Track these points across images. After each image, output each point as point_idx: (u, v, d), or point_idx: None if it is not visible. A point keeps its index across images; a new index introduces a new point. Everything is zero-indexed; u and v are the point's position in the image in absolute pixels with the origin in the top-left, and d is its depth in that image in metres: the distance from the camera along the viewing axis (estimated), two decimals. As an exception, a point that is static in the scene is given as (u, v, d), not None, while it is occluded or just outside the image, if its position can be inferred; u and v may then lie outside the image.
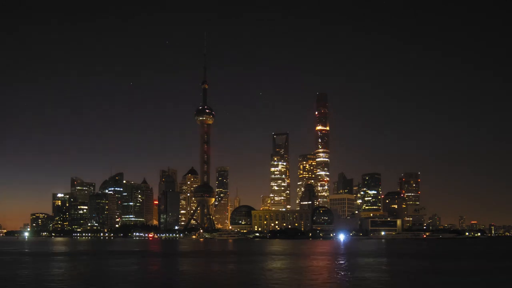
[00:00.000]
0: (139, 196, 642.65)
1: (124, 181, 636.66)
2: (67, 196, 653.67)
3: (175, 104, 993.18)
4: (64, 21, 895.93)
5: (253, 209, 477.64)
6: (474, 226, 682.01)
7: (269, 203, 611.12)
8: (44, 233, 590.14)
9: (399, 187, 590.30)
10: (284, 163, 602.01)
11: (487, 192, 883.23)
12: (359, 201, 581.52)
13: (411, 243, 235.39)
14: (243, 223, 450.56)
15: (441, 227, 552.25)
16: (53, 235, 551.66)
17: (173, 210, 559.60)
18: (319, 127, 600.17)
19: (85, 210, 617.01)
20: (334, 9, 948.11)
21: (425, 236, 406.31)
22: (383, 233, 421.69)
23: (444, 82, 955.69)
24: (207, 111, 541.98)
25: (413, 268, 73.87)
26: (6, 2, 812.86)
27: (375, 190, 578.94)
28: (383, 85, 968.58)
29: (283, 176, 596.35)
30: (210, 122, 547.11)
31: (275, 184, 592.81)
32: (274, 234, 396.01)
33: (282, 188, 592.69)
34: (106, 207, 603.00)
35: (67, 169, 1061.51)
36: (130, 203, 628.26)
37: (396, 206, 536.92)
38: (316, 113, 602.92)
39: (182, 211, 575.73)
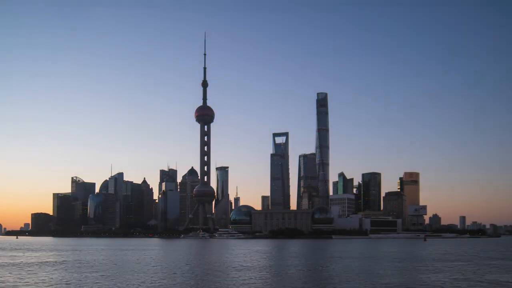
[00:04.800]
0: (139, 196, 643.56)
1: (124, 181, 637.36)
2: (68, 196, 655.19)
3: (175, 104, 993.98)
4: (61, 19, 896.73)
5: (253, 209, 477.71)
6: (475, 226, 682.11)
7: (269, 203, 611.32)
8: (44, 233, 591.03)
9: (399, 187, 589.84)
10: (284, 163, 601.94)
11: (487, 192, 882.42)
12: (359, 201, 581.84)
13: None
14: (243, 223, 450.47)
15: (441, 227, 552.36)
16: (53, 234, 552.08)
17: (173, 210, 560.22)
18: (319, 127, 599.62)
19: (85, 210, 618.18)
20: (334, 9, 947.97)
21: (425, 236, 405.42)
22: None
23: (444, 82, 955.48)
24: (207, 111, 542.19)
25: None
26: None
27: (375, 190, 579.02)
28: (383, 85, 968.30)
29: (283, 175, 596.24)
30: (210, 122, 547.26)
31: (275, 184, 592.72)
32: (274, 234, 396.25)
33: (282, 188, 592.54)
34: (106, 207, 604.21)
35: (68, 169, 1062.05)
36: (130, 203, 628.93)
37: (396, 206, 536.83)
38: (316, 113, 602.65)
39: (182, 211, 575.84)
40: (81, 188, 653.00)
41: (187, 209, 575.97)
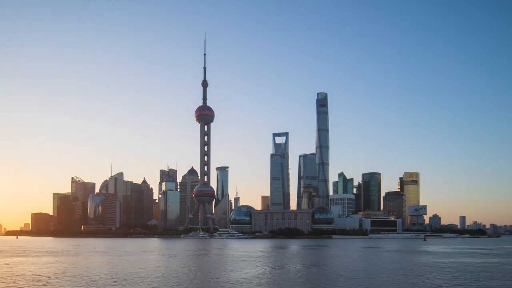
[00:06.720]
0: (139, 196, 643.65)
1: (124, 181, 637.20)
2: (68, 196, 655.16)
3: (175, 104, 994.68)
4: (60, 19, 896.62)
5: (253, 209, 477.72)
6: (475, 226, 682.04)
7: (269, 203, 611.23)
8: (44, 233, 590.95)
9: (399, 187, 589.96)
10: (284, 163, 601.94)
11: (487, 192, 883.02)
12: (359, 201, 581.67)
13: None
14: (243, 223, 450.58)
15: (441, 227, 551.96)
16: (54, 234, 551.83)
17: (173, 210, 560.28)
18: (319, 127, 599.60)
19: (85, 210, 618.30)
20: (334, 10, 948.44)
21: (425, 236, 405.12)
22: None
23: (444, 82, 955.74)
24: (207, 111, 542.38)
25: None
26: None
27: (375, 190, 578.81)
28: (383, 85, 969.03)
29: (283, 175, 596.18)
30: (210, 122, 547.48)
31: (275, 184, 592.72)
32: (274, 234, 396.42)
33: (282, 188, 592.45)
34: (106, 207, 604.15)
35: (68, 169, 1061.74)
36: (130, 203, 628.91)
37: (396, 206, 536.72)
38: (316, 113, 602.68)
39: (182, 211, 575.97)
40: (81, 188, 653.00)
41: (187, 209, 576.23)
